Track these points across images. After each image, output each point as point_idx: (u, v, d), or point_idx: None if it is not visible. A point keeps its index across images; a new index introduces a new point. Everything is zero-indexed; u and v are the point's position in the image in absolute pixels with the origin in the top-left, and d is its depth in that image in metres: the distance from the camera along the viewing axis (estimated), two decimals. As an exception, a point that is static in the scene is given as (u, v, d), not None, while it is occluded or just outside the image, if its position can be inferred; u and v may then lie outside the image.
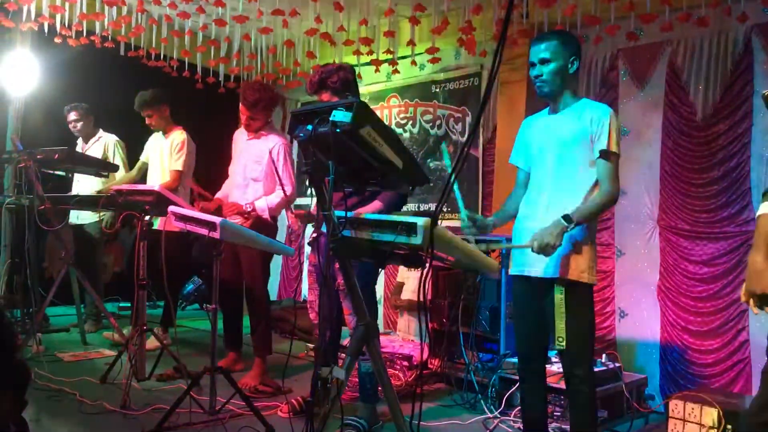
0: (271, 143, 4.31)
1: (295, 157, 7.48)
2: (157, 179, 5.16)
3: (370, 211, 3.25)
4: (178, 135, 5.16)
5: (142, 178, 5.43)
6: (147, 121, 5.18)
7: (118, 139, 5.79)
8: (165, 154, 5.16)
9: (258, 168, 4.31)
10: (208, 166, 5.77)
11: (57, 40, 5.43)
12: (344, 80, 3.48)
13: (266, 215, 4.20)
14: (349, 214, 2.27)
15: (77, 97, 5.88)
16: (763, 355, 2.18)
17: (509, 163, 3.20)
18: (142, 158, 5.45)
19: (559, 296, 2.78)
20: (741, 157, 4.24)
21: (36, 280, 4.74)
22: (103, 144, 5.72)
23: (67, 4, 5.17)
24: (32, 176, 4.44)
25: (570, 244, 2.75)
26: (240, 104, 4.29)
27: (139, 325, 4.01)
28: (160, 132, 5.26)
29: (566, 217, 2.66)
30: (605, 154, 2.76)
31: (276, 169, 4.23)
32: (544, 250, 2.64)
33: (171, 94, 5.30)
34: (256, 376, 4.17)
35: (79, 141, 5.81)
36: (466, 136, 5.82)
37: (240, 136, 4.52)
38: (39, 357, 4.38)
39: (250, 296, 4.36)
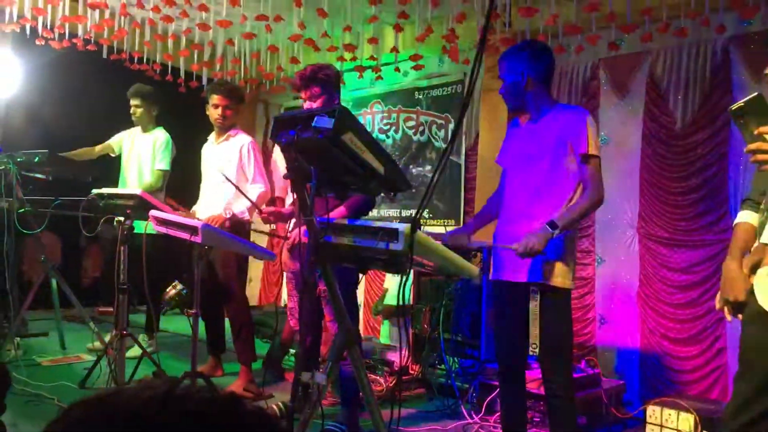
0: (241, 142, 4.35)
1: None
2: (135, 177, 5.10)
3: (334, 216, 3.25)
4: (162, 134, 5.11)
5: (102, 160, 5.31)
6: (132, 111, 5.11)
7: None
8: (146, 153, 5.09)
9: (229, 167, 4.30)
10: (189, 171, 5.74)
11: (39, 42, 5.39)
12: (336, 75, 3.52)
13: (246, 216, 4.20)
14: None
15: (59, 100, 5.81)
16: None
17: (494, 163, 3.24)
18: (111, 141, 5.31)
19: (533, 302, 2.80)
20: (719, 166, 4.30)
21: (14, 283, 4.69)
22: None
23: (49, 6, 5.14)
24: (12, 179, 4.40)
25: (548, 250, 2.77)
26: (216, 96, 4.31)
27: (119, 330, 3.98)
28: (139, 128, 5.21)
29: (551, 224, 2.69)
30: (585, 158, 2.80)
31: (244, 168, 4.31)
32: (528, 253, 2.68)
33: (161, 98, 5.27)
34: (241, 385, 4.15)
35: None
36: (448, 142, 5.85)
37: (208, 147, 4.54)
38: (17, 361, 4.34)
39: (228, 300, 4.34)
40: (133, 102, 5.10)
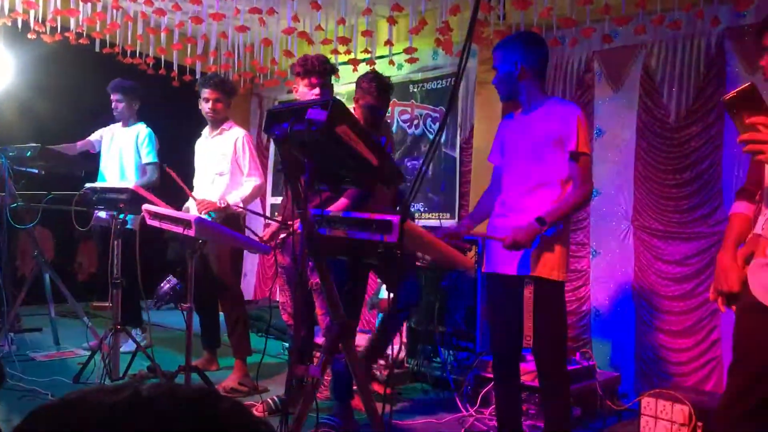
0: (235, 135, 4.34)
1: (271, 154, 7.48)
2: (116, 172, 5.07)
3: (337, 209, 3.24)
4: (144, 128, 5.09)
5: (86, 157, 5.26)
6: (114, 105, 5.06)
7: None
8: (128, 147, 5.06)
9: (224, 161, 4.30)
10: (182, 165, 5.70)
11: (31, 35, 5.35)
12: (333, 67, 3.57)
13: (240, 208, 4.20)
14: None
15: (52, 94, 5.76)
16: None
17: (487, 162, 3.23)
18: (91, 138, 5.27)
19: (527, 294, 2.80)
20: (713, 159, 4.30)
21: (8, 279, 4.67)
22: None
23: (40, 0, 5.11)
24: (4, 173, 4.38)
25: (540, 242, 2.77)
26: (206, 89, 4.29)
27: (113, 325, 3.97)
28: (119, 123, 5.17)
29: (539, 220, 2.69)
30: (575, 155, 2.79)
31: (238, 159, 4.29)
32: (515, 247, 2.68)
33: (146, 92, 5.24)
34: (236, 379, 4.14)
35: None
36: (436, 131, 5.84)
37: (202, 141, 4.52)
38: (11, 356, 4.32)
39: (223, 295, 4.34)
40: (114, 96, 5.07)
